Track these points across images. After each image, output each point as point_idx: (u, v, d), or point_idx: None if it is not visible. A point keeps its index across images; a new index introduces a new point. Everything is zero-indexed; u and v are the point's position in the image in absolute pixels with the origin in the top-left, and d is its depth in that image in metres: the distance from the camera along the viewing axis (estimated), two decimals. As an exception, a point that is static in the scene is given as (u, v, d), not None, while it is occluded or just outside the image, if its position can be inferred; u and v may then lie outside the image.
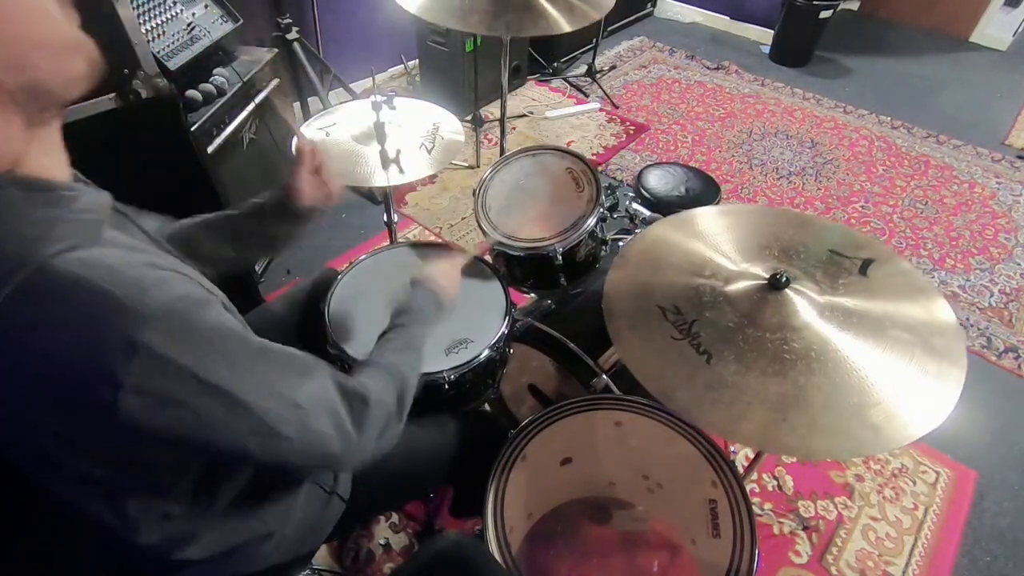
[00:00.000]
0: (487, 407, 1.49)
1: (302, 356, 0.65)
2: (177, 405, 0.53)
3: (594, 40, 3.46)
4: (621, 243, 1.50)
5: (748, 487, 1.28)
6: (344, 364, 1.09)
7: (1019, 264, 2.36)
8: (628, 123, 3.07)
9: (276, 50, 2.02)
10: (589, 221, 1.29)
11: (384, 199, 1.63)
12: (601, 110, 3.15)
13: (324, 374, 0.66)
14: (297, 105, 2.60)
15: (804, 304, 0.91)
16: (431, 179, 2.59)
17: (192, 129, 1.56)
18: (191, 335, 0.53)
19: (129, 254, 0.55)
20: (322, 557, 1.38)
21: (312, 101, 2.64)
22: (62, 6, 0.56)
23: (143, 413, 0.51)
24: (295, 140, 1.12)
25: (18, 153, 0.53)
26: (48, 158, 0.56)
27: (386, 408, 0.72)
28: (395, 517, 1.46)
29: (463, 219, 2.43)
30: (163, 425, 0.53)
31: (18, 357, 0.50)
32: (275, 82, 2.01)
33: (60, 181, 0.55)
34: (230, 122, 1.76)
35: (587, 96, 3.28)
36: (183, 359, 0.52)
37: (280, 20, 2.32)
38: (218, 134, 1.70)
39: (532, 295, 1.55)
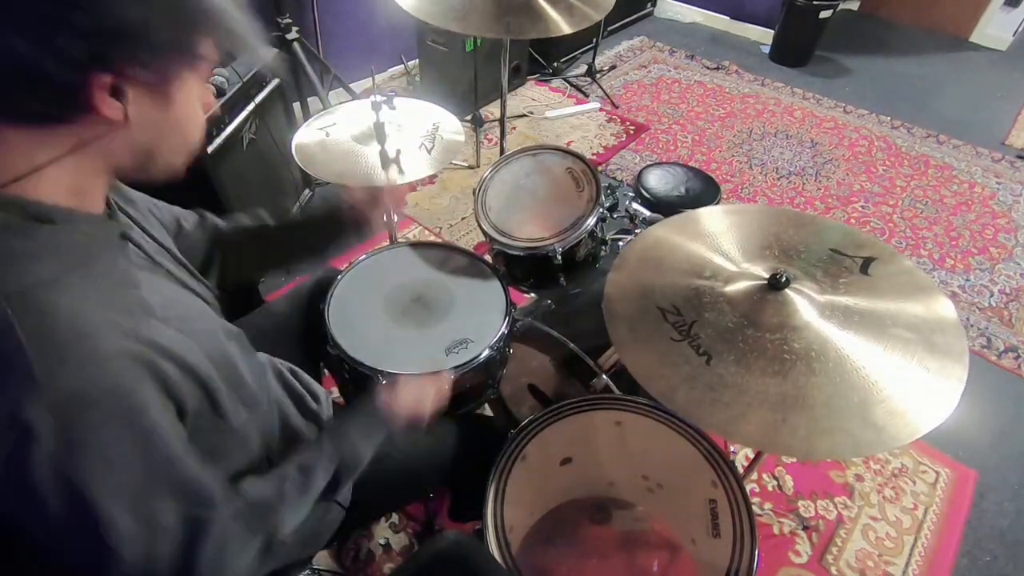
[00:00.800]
0: (487, 407, 1.49)
1: (211, 484, 0.59)
2: (25, 495, 0.48)
3: (594, 40, 3.45)
4: (621, 243, 1.50)
5: (748, 487, 1.28)
6: (343, 364, 1.09)
7: (1019, 264, 2.36)
8: (628, 123, 3.07)
9: (276, 50, 2.02)
10: (589, 221, 1.29)
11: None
12: (601, 110, 3.15)
13: (219, 521, 0.59)
14: (297, 105, 2.59)
15: (804, 304, 0.91)
16: (431, 179, 2.59)
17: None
18: (86, 433, 0.48)
19: (104, 297, 0.52)
20: (322, 557, 1.38)
21: (312, 101, 2.64)
22: (203, 119, 0.62)
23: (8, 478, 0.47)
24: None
25: (33, 180, 0.52)
26: (71, 184, 0.54)
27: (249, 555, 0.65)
28: (395, 517, 1.46)
29: (463, 219, 2.43)
30: (19, 493, 0.48)
31: None
32: (275, 82, 2.02)
33: (59, 206, 0.53)
34: (230, 122, 1.76)
35: (587, 96, 3.28)
36: (61, 452, 0.47)
37: (280, 20, 2.32)
38: (218, 134, 1.70)
39: (532, 295, 1.55)
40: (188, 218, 0.87)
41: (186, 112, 0.58)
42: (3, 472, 0.47)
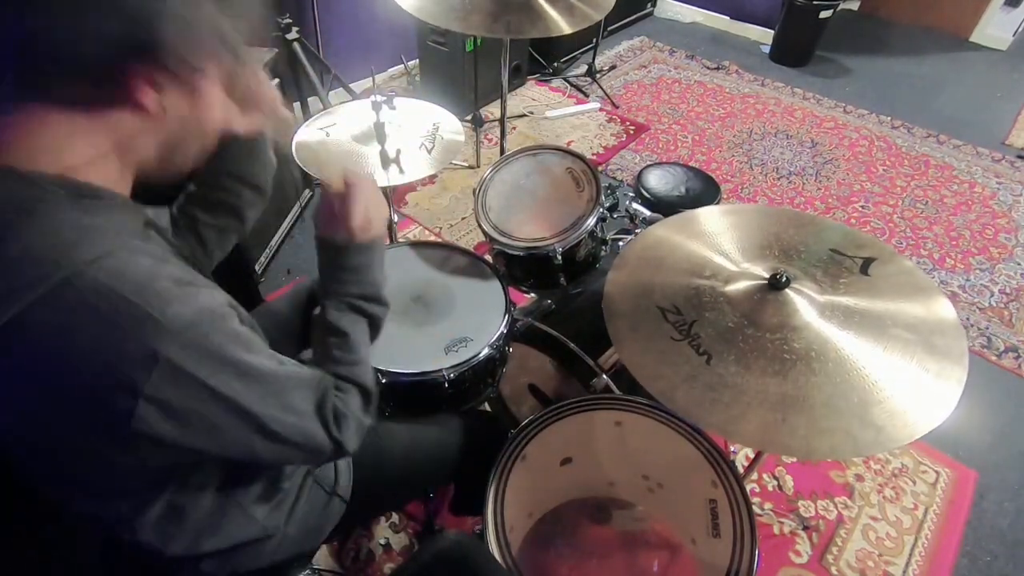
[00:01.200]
0: (487, 407, 1.49)
1: (300, 370, 0.68)
2: (190, 414, 0.55)
3: (594, 40, 3.46)
4: (621, 243, 1.50)
5: (748, 487, 1.28)
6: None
7: (1019, 264, 2.36)
8: (628, 123, 3.07)
9: (276, 50, 2.02)
10: (589, 221, 1.29)
11: (384, 199, 1.62)
12: (601, 110, 3.15)
13: (319, 384, 0.69)
14: (297, 105, 2.60)
15: (804, 304, 0.91)
16: (431, 179, 2.59)
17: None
18: (209, 349, 0.55)
19: (158, 266, 0.56)
20: (322, 557, 1.38)
21: (312, 101, 2.64)
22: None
23: (157, 420, 0.53)
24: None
25: (82, 158, 0.55)
26: (116, 170, 0.59)
27: (359, 409, 0.73)
28: (395, 517, 1.46)
29: (463, 219, 2.43)
30: (175, 431, 0.55)
31: (40, 360, 0.51)
32: (275, 82, 2.02)
33: (107, 189, 0.57)
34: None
35: (587, 96, 3.28)
36: (199, 372, 0.54)
37: (280, 20, 2.32)
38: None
39: (532, 295, 1.55)
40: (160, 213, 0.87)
41: (212, 111, 0.62)
42: (174, 401, 0.53)
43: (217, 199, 0.89)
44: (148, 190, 0.65)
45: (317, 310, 0.79)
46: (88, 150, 0.55)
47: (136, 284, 0.52)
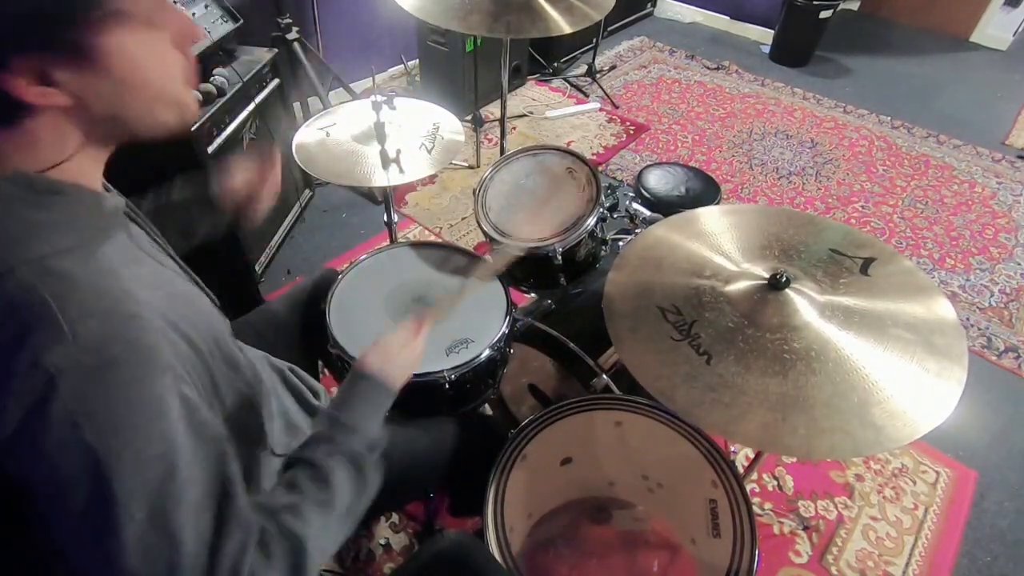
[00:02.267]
0: (487, 407, 1.49)
1: (232, 501, 0.52)
2: (44, 459, 0.46)
3: (594, 40, 3.45)
4: (621, 243, 1.50)
5: (748, 487, 1.28)
6: (344, 364, 1.09)
7: (1019, 264, 2.36)
8: (628, 123, 3.07)
9: (276, 50, 2.02)
10: (589, 221, 1.29)
11: (384, 199, 1.63)
12: (601, 110, 3.15)
13: (241, 523, 0.52)
14: (297, 105, 2.60)
15: (804, 304, 0.91)
16: (431, 179, 2.59)
17: (192, 129, 1.56)
18: (108, 390, 0.47)
19: (113, 270, 0.52)
20: (322, 557, 1.38)
21: (312, 101, 2.64)
22: (185, 62, 0.58)
23: (22, 435, 0.46)
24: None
25: (57, 160, 0.53)
26: (76, 164, 0.55)
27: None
28: (395, 517, 1.46)
29: (463, 219, 2.43)
30: (18, 470, 0.48)
31: None
32: (275, 82, 2.02)
33: (67, 183, 0.54)
34: (230, 122, 1.76)
35: (587, 96, 3.28)
36: (82, 406, 0.46)
37: (280, 20, 2.32)
38: (218, 134, 1.70)
39: (532, 295, 1.55)
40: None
41: (135, 68, 0.53)
42: (21, 425, 0.45)
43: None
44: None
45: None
46: (28, 156, 0.52)
47: (63, 286, 0.48)
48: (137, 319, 0.50)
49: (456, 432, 1.07)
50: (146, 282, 0.56)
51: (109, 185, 0.64)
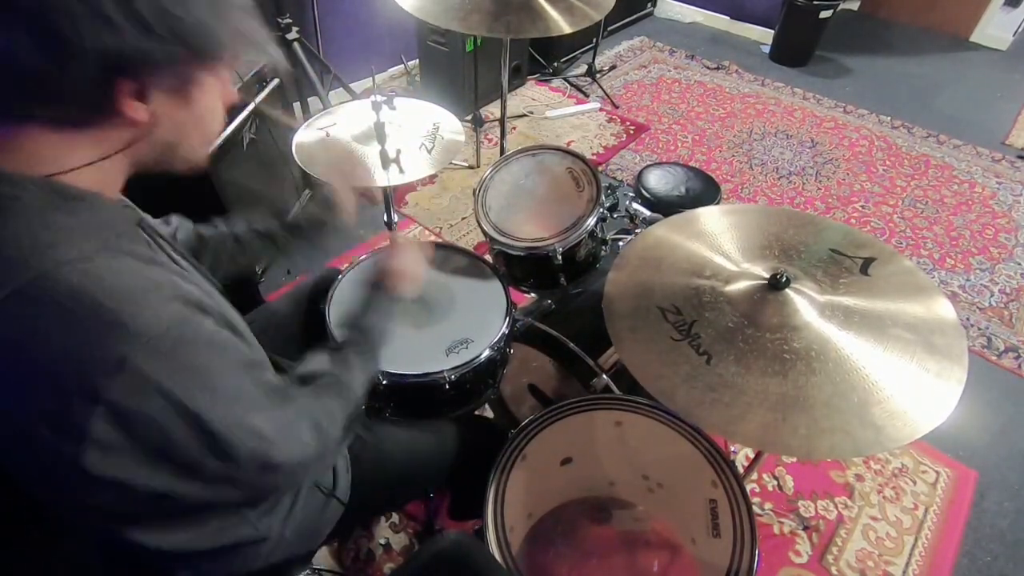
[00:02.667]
0: (487, 408, 1.49)
1: (281, 388, 0.66)
2: (146, 425, 0.52)
3: (594, 40, 3.45)
4: (621, 243, 1.50)
5: (748, 487, 1.28)
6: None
7: (1019, 264, 2.36)
8: (628, 123, 3.07)
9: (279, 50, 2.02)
10: (589, 221, 1.29)
11: (384, 199, 1.63)
12: (601, 110, 3.15)
13: (297, 408, 0.67)
14: (297, 105, 2.59)
15: (804, 304, 0.91)
16: (431, 179, 2.59)
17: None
18: (179, 358, 0.53)
19: (139, 268, 0.55)
20: (322, 557, 1.38)
21: (312, 101, 2.64)
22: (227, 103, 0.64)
23: (110, 429, 0.51)
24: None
25: (71, 166, 0.54)
26: (96, 174, 0.57)
27: (332, 446, 0.73)
28: (395, 517, 1.46)
29: (463, 219, 2.43)
30: (125, 444, 0.52)
31: (7, 361, 0.49)
32: (275, 82, 2.01)
33: (93, 192, 0.56)
34: (230, 122, 1.76)
35: (587, 96, 3.28)
36: (165, 380, 0.51)
37: (280, 20, 2.32)
38: (218, 134, 1.70)
39: (532, 295, 1.55)
40: (177, 225, 0.90)
41: (206, 109, 0.61)
42: (134, 409, 0.51)
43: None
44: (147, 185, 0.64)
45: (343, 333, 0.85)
46: (76, 159, 0.54)
47: (110, 288, 0.50)
48: (174, 303, 0.54)
49: (457, 433, 1.07)
50: (165, 283, 0.57)
51: (126, 200, 0.66)
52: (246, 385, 0.60)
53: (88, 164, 0.55)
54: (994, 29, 3.93)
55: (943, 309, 0.92)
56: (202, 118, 0.61)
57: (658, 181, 1.74)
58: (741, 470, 1.49)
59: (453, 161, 2.50)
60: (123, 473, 0.54)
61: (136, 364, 0.50)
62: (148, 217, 0.71)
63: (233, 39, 0.58)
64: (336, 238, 1.09)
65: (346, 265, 1.26)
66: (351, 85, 2.80)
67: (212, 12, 0.54)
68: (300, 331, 1.16)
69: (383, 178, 1.29)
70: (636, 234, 1.23)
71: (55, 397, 0.49)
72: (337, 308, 1.16)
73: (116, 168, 0.59)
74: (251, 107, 1.84)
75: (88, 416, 0.49)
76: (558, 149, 1.43)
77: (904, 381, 0.83)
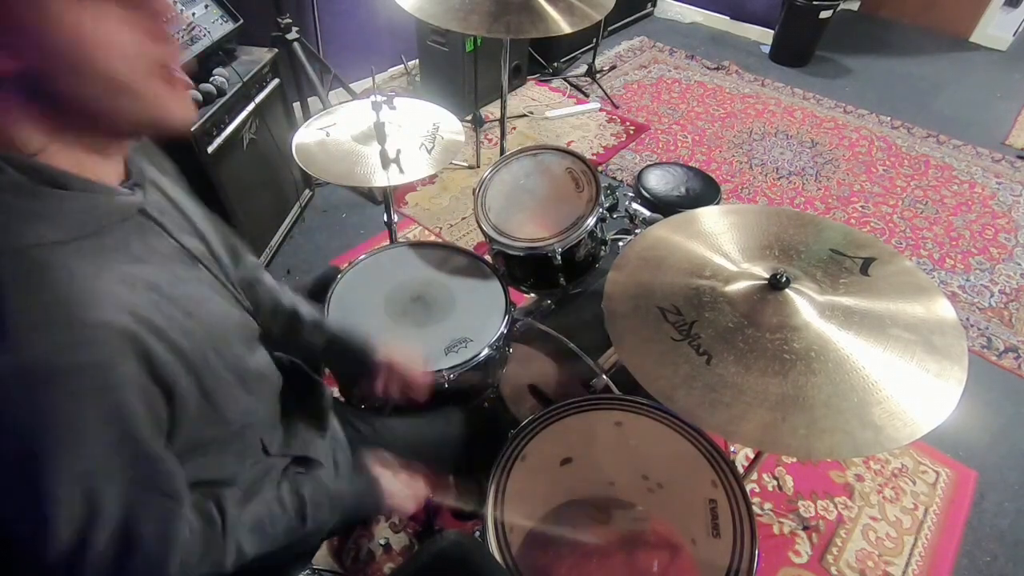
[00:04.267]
0: (487, 406, 1.49)
1: (168, 479, 0.57)
2: None
3: (594, 40, 3.45)
4: (621, 243, 1.50)
5: (748, 487, 1.28)
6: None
7: (1019, 264, 2.36)
8: (628, 123, 3.07)
9: (276, 50, 2.02)
10: (589, 221, 1.29)
11: (384, 199, 1.63)
12: (601, 110, 3.15)
13: (168, 508, 0.58)
14: (297, 105, 2.60)
15: (804, 304, 0.91)
16: (431, 179, 2.59)
17: (192, 129, 1.56)
18: (46, 404, 0.47)
19: (101, 271, 0.51)
20: (322, 557, 1.38)
21: (312, 101, 2.64)
22: (160, 53, 0.53)
23: None
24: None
25: (32, 148, 0.50)
26: (64, 155, 0.53)
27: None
28: (395, 517, 1.46)
29: (463, 219, 2.43)
30: None
31: None
32: (275, 82, 2.02)
33: (75, 176, 0.52)
34: (230, 122, 1.76)
35: (587, 96, 3.28)
36: (17, 414, 0.46)
37: (280, 20, 2.32)
38: (218, 134, 1.71)
39: (532, 295, 1.55)
40: (245, 255, 0.87)
41: (81, 42, 0.49)
42: None
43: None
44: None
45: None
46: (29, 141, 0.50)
47: (25, 281, 0.46)
48: (103, 330, 0.49)
49: (458, 425, 1.07)
50: (139, 283, 0.54)
51: (136, 184, 0.61)
52: (112, 450, 0.51)
53: (41, 145, 0.50)
54: (994, 29, 3.93)
55: (943, 309, 0.92)
56: (79, 55, 0.49)
57: (658, 181, 1.74)
58: (741, 470, 1.49)
59: (453, 161, 2.50)
60: None
61: None
62: (160, 200, 0.65)
63: None
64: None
65: (346, 265, 1.26)
66: (351, 85, 2.80)
67: None
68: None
69: (383, 178, 1.29)
70: (636, 234, 1.23)
71: None
72: (337, 307, 1.16)
73: (68, 144, 0.53)
74: (251, 106, 1.85)
75: None
76: (558, 149, 1.43)
77: (904, 381, 0.82)
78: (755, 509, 1.43)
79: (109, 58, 0.50)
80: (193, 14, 1.69)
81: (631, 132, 3.01)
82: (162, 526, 0.57)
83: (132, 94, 0.53)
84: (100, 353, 0.49)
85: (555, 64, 3.39)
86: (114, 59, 0.50)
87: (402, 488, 0.91)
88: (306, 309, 0.97)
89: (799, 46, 3.63)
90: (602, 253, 1.42)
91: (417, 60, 3.10)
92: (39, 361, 0.46)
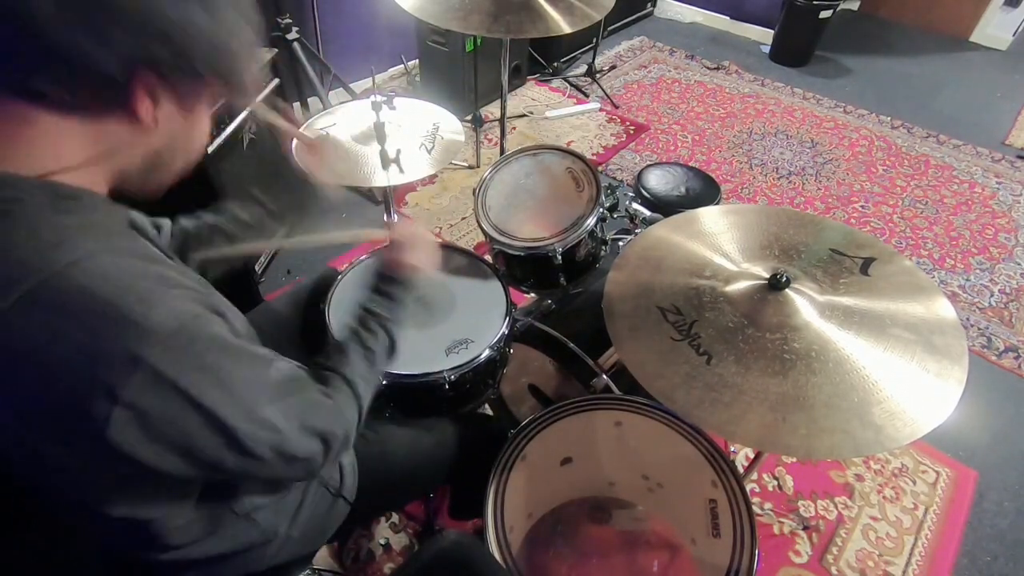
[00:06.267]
0: (487, 407, 1.49)
1: (292, 377, 0.67)
2: (165, 423, 0.53)
3: (594, 40, 3.45)
4: (621, 243, 1.50)
5: (748, 487, 1.28)
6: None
7: (1019, 264, 2.36)
8: (628, 123, 3.07)
9: (276, 50, 2.02)
10: (589, 221, 1.29)
11: (384, 199, 1.63)
12: (601, 110, 3.14)
13: (309, 397, 0.68)
14: (297, 105, 2.60)
15: (804, 304, 0.91)
16: (431, 179, 2.59)
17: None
18: (191, 354, 0.53)
19: (142, 266, 0.54)
20: (322, 557, 1.38)
21: (312, 101, 2.64)
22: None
23: (131, 428, 0.51)
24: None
25: (66, 164, 0.54)
26: (92, 173, 0.56)
27: (348, 435, 0.73)
28: (395, 517, 1.46)
29: (463, 219, 2.43)
30: (146, 442, 0.52)
31: (20, 365, 0.49)
32: (275, 82, 2.01)
33: (86, 189, 0.55)
34: (230, 122, 1.76)
35: (587, 96, 3.27)
36: (180, 378, 0.52)
37: (280, 20, 2.32)
38: (218, 134, 1.70)
39: (532, 295, 1.55)
40: (159, 223, 0.87)
41: (199, 126, 0.62)
42: (151, 407, 0.51)
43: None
44: (125, 199, 0.63)
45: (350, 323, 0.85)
46: (73, 155, 0.53)
47: (119, 286, 0.50)
48: (180, 300, 0.54)
49: (458, 432, 1.07)
50: (164, 277, 0.57)
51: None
52: (256, 379, 0.60)
53: (82, 162, 0.54)
54: (994, 29, 3.93)
55: (943, 309, 0.92)
56: (193, 134, 0.61)
57: (658, 181, 1.74)
58: (741, 470, 1.49)
59: (453, 161, 2.50)
60: (148, 458, 0.54)
61: (150, 362, 0.50)
62: (137, 216, 0.70)
63: (247, 77, 0.60)
64: (322, 212, 1.08)
65: (346, 265, 1.26)
66: (351, 85, 2.80)
67: (248, 53, 0.58)
68: (299, 331, 1.16)
69: (383, 178, 1.29)
70: (636, 234, 1.23)
71: (72, 398, 0.49)
72: (337, 308, 1.16)
73: (105, 173, 0.58)
74: (251, 106, 1.84)
75: (108, 416, 0.49)
76: (558, 149, 1.43)
77: (904, 381, 0.83)
78: (755, 509, 1.43)
79: (200, 140, 0.63)
80: (193, 14, 1.69)
81: (631, 132, 3.01)
82: (321, 408, 0.68)
83: (189, 164, 0.65)
84: (196, 310, 0.55)
85: (555, 64, 3.38)
86: (201, 141, 0.64)
87: (424, 238, 0.94)
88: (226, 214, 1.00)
89: (799, 46, 3.62)
90: (602, 253, 1.42)
91: (417, 60, 3.10)
92: (172, 330, 0.51)
